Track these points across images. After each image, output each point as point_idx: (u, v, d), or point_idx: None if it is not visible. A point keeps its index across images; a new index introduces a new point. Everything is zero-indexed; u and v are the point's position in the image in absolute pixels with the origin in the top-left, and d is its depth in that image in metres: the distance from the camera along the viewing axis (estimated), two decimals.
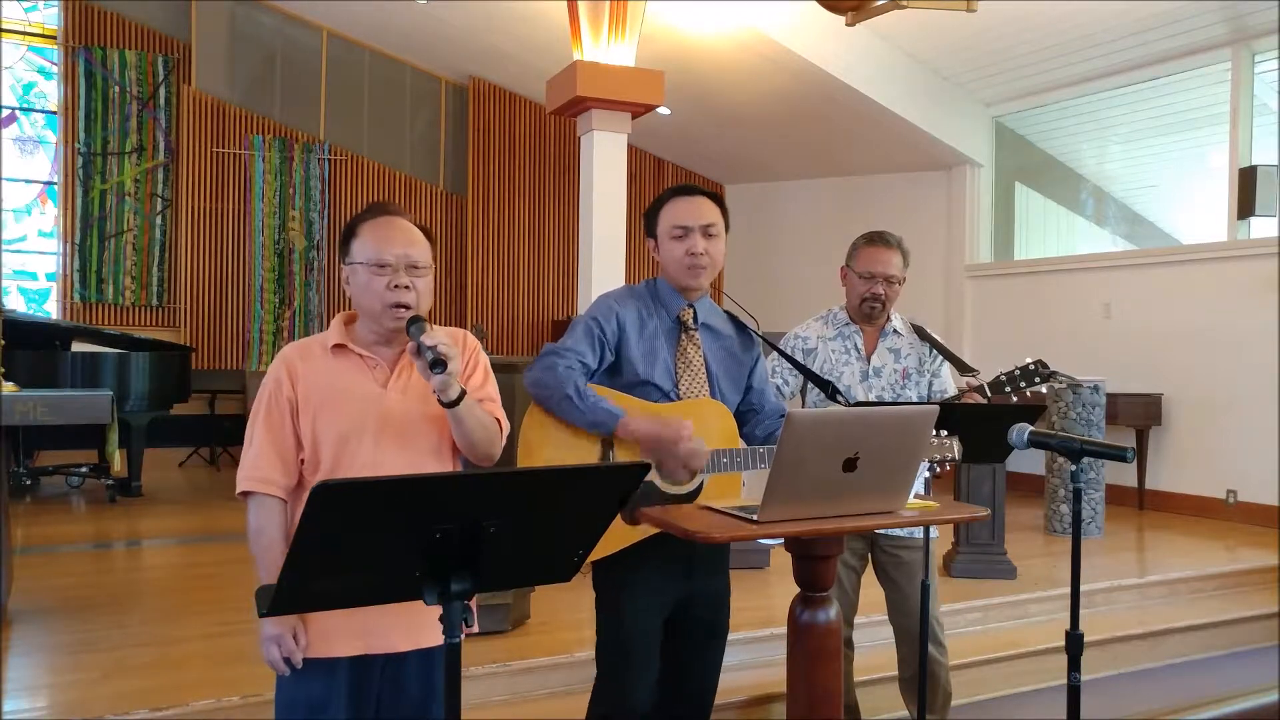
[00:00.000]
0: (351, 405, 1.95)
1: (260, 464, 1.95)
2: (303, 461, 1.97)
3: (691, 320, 2.44)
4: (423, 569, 1.39)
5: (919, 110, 8.25)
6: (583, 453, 2.30)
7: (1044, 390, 2.92)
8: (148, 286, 9.55)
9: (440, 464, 2.03)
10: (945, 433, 2.46)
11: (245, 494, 1.96)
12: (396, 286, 1.94)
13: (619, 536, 2.23)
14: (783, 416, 2.50)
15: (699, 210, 2.40)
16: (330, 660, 1.93)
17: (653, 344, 2.39)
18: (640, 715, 2.34)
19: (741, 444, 2.41)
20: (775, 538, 2.04)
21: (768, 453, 2.32)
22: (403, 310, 1.94)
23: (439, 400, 1.89)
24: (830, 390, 2.59)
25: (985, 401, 2.86)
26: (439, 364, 1.80)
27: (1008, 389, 2.86)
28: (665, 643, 2.39)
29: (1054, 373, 2.85)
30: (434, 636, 1.95)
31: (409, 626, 1.95)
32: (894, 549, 2.99)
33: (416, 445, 1.99)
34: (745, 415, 2.52)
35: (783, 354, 2.80)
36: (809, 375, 2.70)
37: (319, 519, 1.29)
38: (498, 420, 2.03)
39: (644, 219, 2.51)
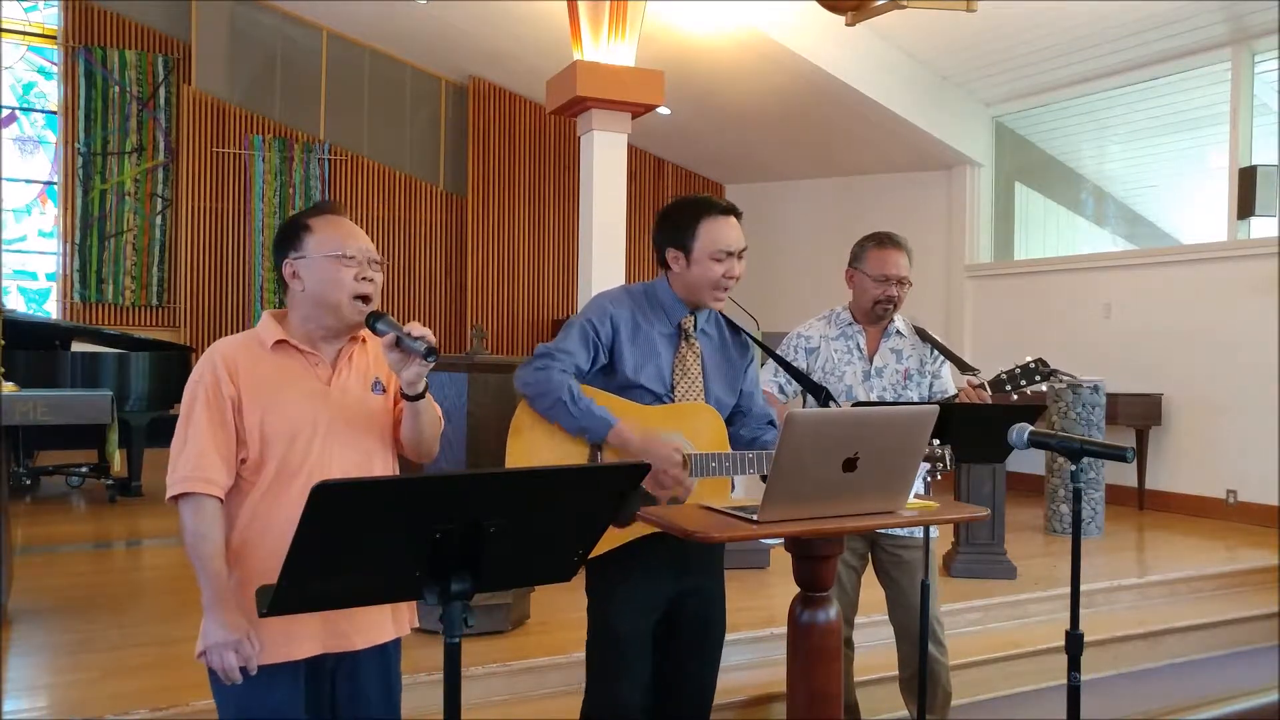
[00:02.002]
0: (299, 403, 1.94)
1: (203, 464, 1.86)
2: (242, 461, 1.92)
3: (692, 328, 2.44)
4: (423, 569, 1.39)
5: (919, 110, 8.25)
6: (573, 453, 2.30)
7: (1044, 389, 2.92)
8: (148, 286, 9.55)
9: (385, 459, 2.05)
10: (937, 441, 2.46)
11: (179, 496, 1.87)
12: (362, 278, 1.95)
13: (612, 536, 2.23)
14: (770, 422, 2.53)
15: (739, 234, 2.40)
16: (293, 664, 1.91)
17: (646, 348, 2.38)
18: (631, 717, 2.33)
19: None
20: (775, 538, 2.04)
21: (757, 458, 2.32)
22: (364, 302, 1.95)
23: (404, 393, 1.91)
24: (824, 397, 2.58)
25: (989, 399, 2.86)
26: (433, 353, 1.82)
27: (1008, 387, 2.86)
28: (661, 643, 2.39)
29: (1054, 371, 2.85)
30: (385, 632, 1.98)
31: (364, 625, 1.95)
32: (895, 549, 2.99)
33: (361, 442, 1.99)
34: (732, 416, 2.52)
35: (780, 361, 2.79)
36: (803, 382, 2.69)
37: (319, 519, 1.29)
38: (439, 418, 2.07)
39: (664, 223, 2.43)
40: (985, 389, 2.86)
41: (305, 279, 1.96)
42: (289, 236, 1.99)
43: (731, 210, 2.42)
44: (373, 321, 1.92)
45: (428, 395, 1.95)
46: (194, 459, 1.87)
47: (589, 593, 2.40)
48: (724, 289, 2.39)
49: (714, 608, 2.45)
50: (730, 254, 2.37)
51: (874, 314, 3.02)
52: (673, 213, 2.44)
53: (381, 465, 2.04)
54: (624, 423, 2.26)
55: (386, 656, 2.02)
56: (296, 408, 1.93)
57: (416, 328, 1.85)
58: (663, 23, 7.61)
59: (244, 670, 1.82)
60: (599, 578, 2.37)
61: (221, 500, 1.89)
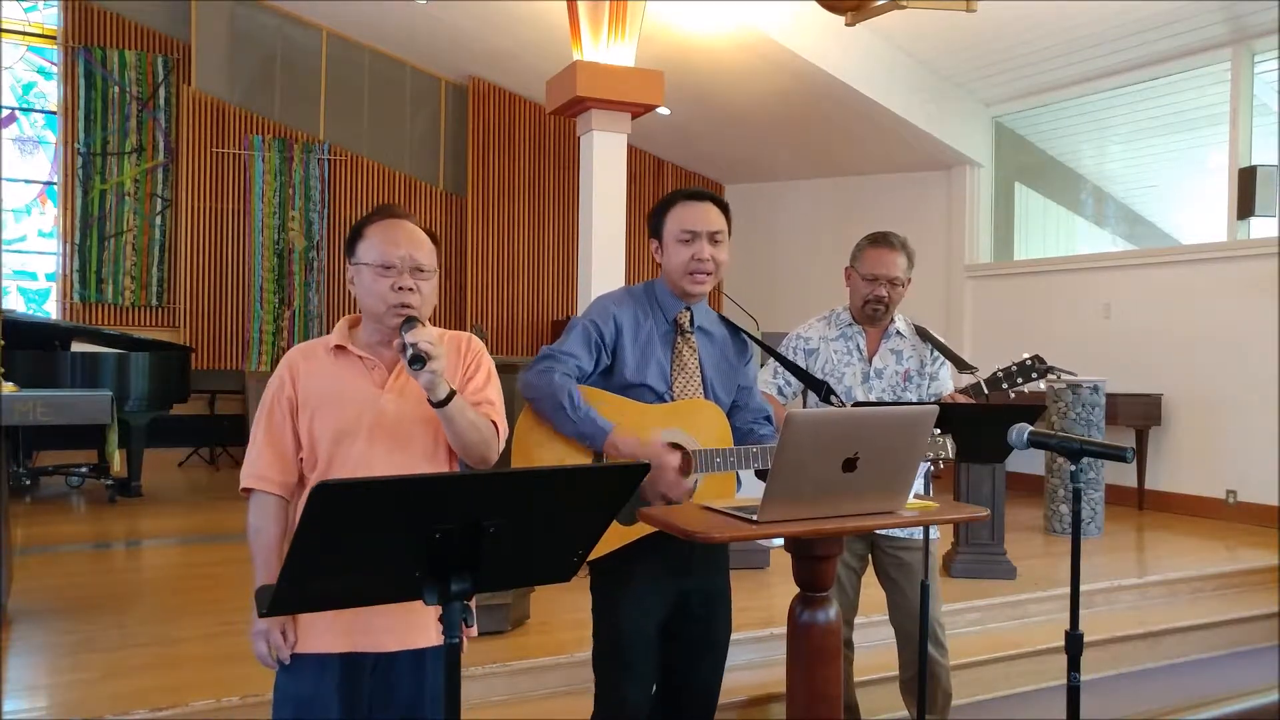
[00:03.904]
0: (348, 405, 1.97)
1: (259, 462, 1.99)
2: (302, 460, 2.00)
3: (688, 324, 2.44)
4: (423, 569, 1.39)
5: (919, 110, 8.25)
6: (577, 454, 2.30)
7: (1042, 386, 2.91)
8: (147, 286, 9.55)
9: (434, 466, 2.04)
10: (939, 430, 2.45)
11: (247, 491, 2.00)
12: (401, 288, 1.96)
13: (615, 536, 2.23)
14: (767, 417, 2.52)
15: (707, 216, 2.39)
16: (320, 656, 1.94)
17: (648, 346, 2.39)
18: (638, 718, 2.33)
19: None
20: (775, 538, 2.04)
21: (760, 453, 2.32)
22: (405, 310, 1.96)
23: (428, 399, 1.90)
24: (825, 392, 2.58)
25: (973, 402, 2.86)
26: (418, 360, 1.81)
27: (1004, 385, 2.84)
28: (665, 644, 2.38)
29: (1051, 367, 2.83)
30: (425, 638, 1.97)
31: (399, 627, 1.96)
32: (895, 550, 2.99)
33: (410, 447, 1.99)
34: (730, 411, 2.52)
35: (779, 358, 2.79)
36: (803, 377, 2.69)
37: (319, 519, 1.29)
38: (495, 424, 2.03)
39: (648, 218, 2.49)
40: (981, 388, 2.86)
41: (357, 286, 2.03)
42: (349, 242, 2.06)
43: (704, 196, 2.43)
44: (401, 325, 1.93)
45: (458, 401, 1.91)
46: (254, 457, 2.00)
47: (593, 594, 2.40)
48: (698, 273, 2.37)
49: (719, 608, 2.45)
50: (696, 234, 2.37)
51: (864, 314, 3.01)
52: (654, 207, 2.49)
53: (431, 470, 2.03)
54: (619, 431, 2.25)
55: (424, 661, 2.00)
56: (345, 410, 1.97)
57: (414, 335, 1.85)
58: (663, 23, 7.61)
59: (278, 658, 1.94)
60: (603, 579, 2.37)
61: (283, 497, 2.00)
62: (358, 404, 1.98)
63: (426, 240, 2.04)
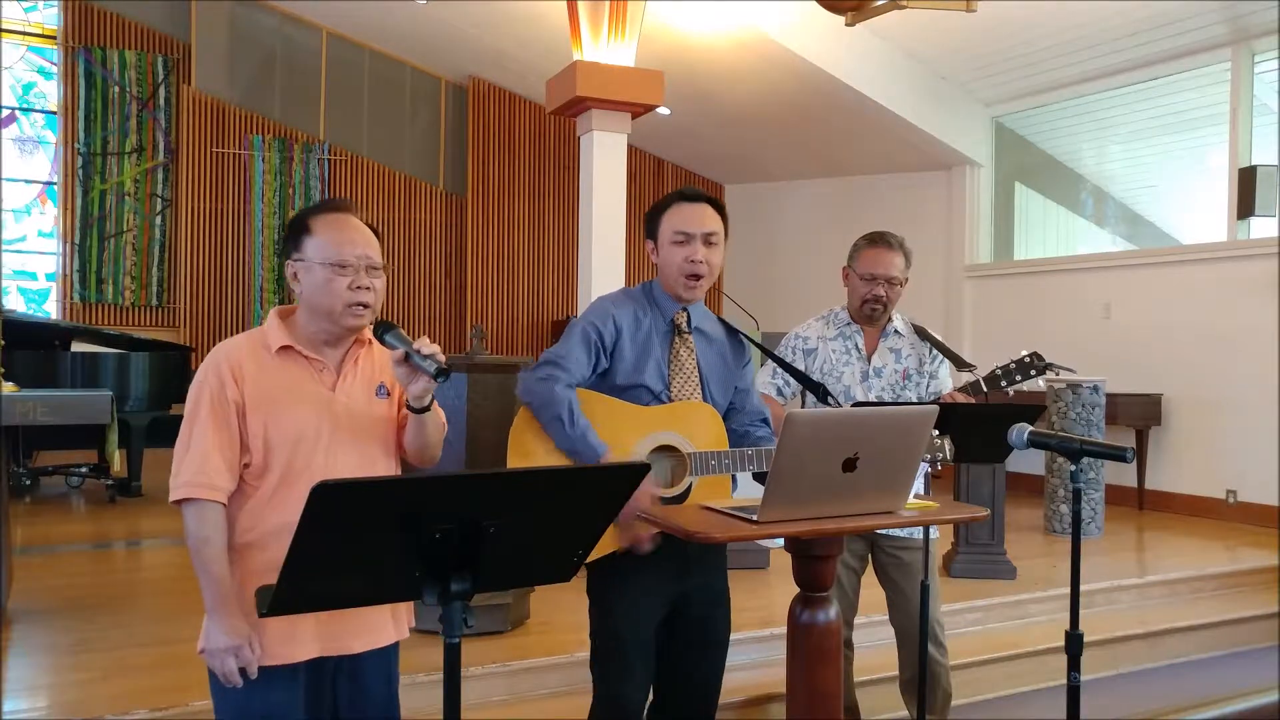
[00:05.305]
0: (304, 408, 1.92)
1: (207, 469, 1.86)
2: (245, 465, 1.91)
3: (685, 324, 2.45)
4: (422, 569, 1.39)
5: (919, 110, 8.25)
6: None
7: (1041, 385, 2.90)
8: (147, 286, 9.55)
9: (389, 463, 2.04)
10: (936, 433, 2.45)
11: (183, 500, 1.86)
12: (358, 287, 1.92)
13: (614, 537, 2.23)
14: (764, 420, 2.52)
15: (701, 217, 2.39)
16: (290, 666, 1.90)
17: (646, 346, 2.39)
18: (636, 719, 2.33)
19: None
20: (775, 538, 2.04)
21: (756, 454, 2.32)
22: (362, 309, 1.93)
23: (410, 406, 1.90)
24: (822, 393, 2.58)
25: (972, 401, 2.85)
26: (444, 373, 1.80)
27: (1003, 383, 2.84)
28: (665, 644, 2.39)
29: (1050, 364, 2.82)
30: (385, 635, 1.98)
31: (363, 627, 1.95)
32: (895, 550, 2.99)
33: (369, 447, 1.99)
34: (726, 413, 2.52)
35: (776, 360, 2.79)
36: (801, 379, 2.69)
37: (319, 519, 1.29)
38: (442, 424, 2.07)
39: (645, 220, 2.50)
40: (980, 385, 2.85)
41: (303, 282, 1.94)
42: (291, 236, 1.97)
43: (699, 197, 2.43)
44: (381, 333, 1.88)
45: (434, 405, 1.94)
46: (198, 463, 1.86)
47: (590, 596, 2.40)
48: (692, 275, 2.37)
49: (718, 607, 2.45)
50: (690, 236, 2.36)
51: (863, 313, 3.01)
52: (650, 209, 2.49)
53: (385, 470, 2.03)
54: (608, 456, 2.24)
55: (387, 659, 2.02)
56: (301, 414, 1.92)
57: (426, 345, 1.83)
58: (662, 23, 7.61)
59: (244, 673, 1.84)
60: (600, 580, 2.37)
61: (225, 505, 1.88)
62: (314, 407, 1.93)
63: (373, 236, 2.00)
